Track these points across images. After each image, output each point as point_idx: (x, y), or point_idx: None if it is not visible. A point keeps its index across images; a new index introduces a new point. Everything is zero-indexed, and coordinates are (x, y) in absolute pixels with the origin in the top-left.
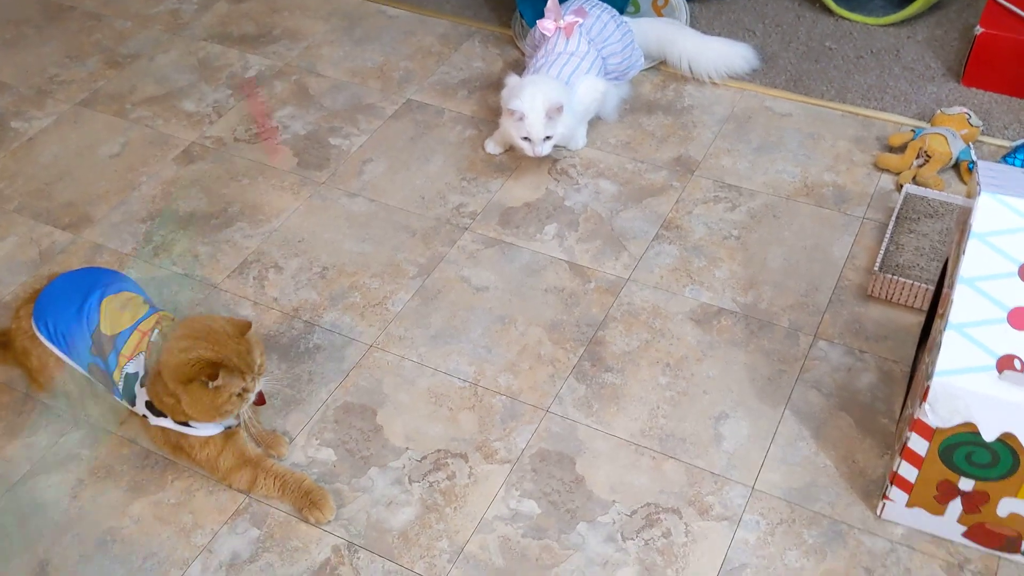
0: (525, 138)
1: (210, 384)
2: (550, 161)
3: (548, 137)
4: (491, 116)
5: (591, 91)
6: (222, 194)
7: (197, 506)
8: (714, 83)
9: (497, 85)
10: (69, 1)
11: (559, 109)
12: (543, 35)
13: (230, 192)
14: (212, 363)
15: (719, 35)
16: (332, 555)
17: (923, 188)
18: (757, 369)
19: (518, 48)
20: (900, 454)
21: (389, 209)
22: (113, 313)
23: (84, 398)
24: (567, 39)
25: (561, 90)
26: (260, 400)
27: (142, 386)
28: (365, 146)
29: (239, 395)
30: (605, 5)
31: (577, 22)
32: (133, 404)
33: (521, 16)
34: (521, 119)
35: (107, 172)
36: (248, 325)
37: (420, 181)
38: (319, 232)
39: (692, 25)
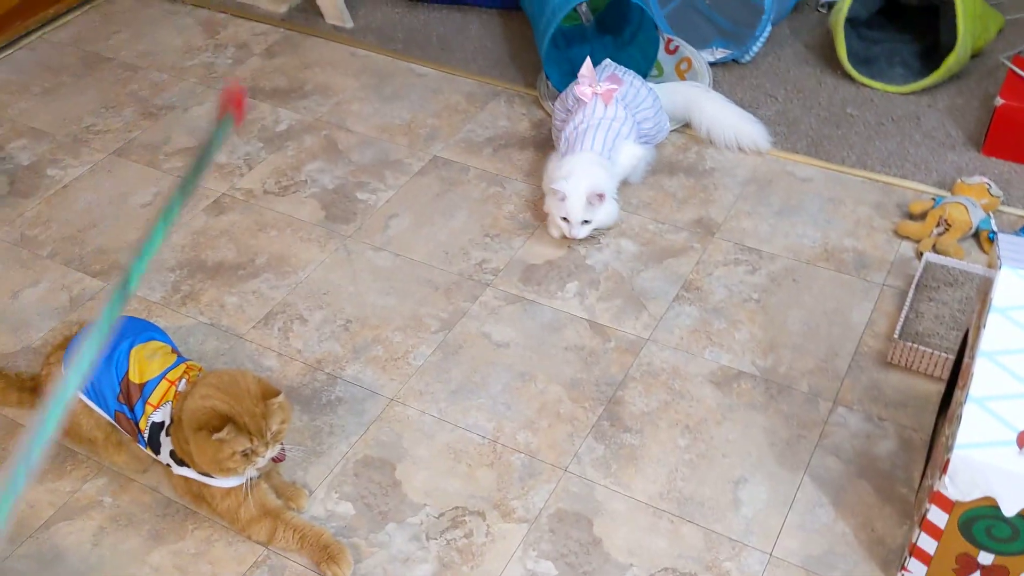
0: (564, 218)
1: (213, 436)
2: None
3: (587, 221)
4: (515, 174)
5: (631, 157)
6: (250, 245)
7: (216, 557)
8: (738, 146)
9: (521, 143)
10: (107, 52)
11: (601, 196)
12: (578, 100)
13: (258, 243)
14: (220, 415)
15: (741, 101)
16: None
17: (943, 256)
18: (776, 433)
19: (543, 108)
20: (919, 525)
21: (413, 264)
22: (142, 362)
23: (109, 445)
24: (605, 105)
25: (605, 177)
26: (278, 458)
27: (167, 435)
28: (391, 201)
29: (244, 455)
30: (632, 71)
31: (614, 89)
32: (157, 453)
33: (547, 77)
34: (563, 200)
35: (139, 221)
36: (276, 392)
37: (444, 236)
38: (344, 285)
39: (715, 89)
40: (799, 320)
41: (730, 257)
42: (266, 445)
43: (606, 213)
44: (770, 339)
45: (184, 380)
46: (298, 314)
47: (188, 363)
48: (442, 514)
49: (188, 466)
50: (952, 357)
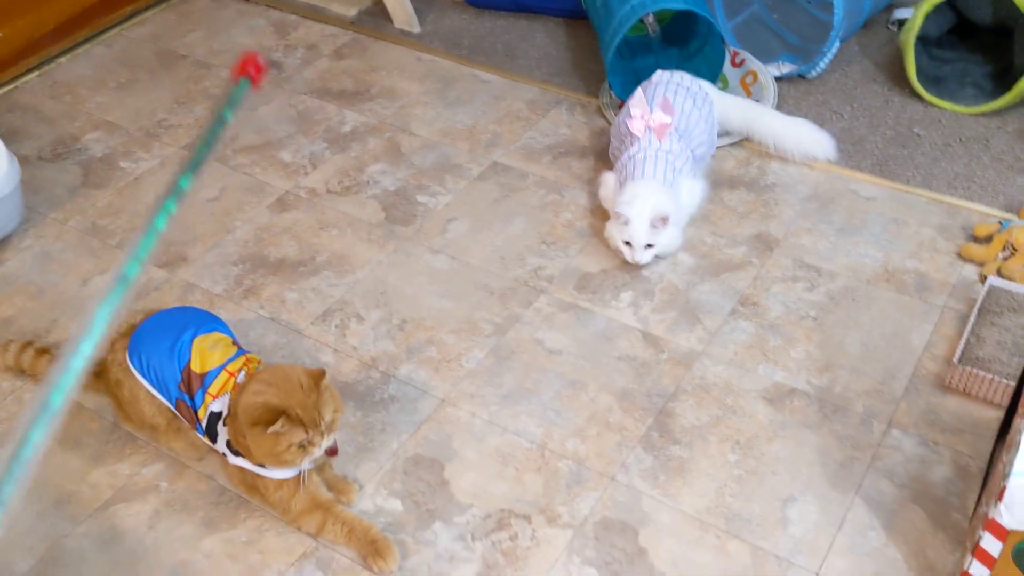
0: (627, 242)
1: (268, 429)
2: None
3: (650, 245)
4: (574, 182)
5: (693, 196)
6: (311, 243)
7: (266, 546)
8: (799, 163)
9: (581, 152)
10: (181, 50)
11: (665, 220)
12: (630, 132)
13: (319, 241)
14: (275, 409)
15: (806, 117)
16: None
17: (1007, 281)
18: (829, 453)
19: (605, 117)
20: (972, 553)
21: (469, 267)
22: (204, 352)
23: (169, 432)
24: (659, 139)
25: (670, 201)
26: (332, 451)
27: (224, 425)
28: (450, 205)
29: (301, 446)
30: (682, 82)
31: (668, 125)
32: (214, 442)
33: (610, 87)
34: (626, 223)
35: (204, 215)
36: (322, 373)
37: (501, 242)
38: (401, 286)
39: (780, 104)
40: (856, 340)
41: (788, 274)
42: (321, 435)
43: (670, 238)
44: (826, 358)
45: (243, 372)
46: (355, 312)
47: (248, 355)
48: (488, 516)
49: (243, 457)
50: (1013, 384)
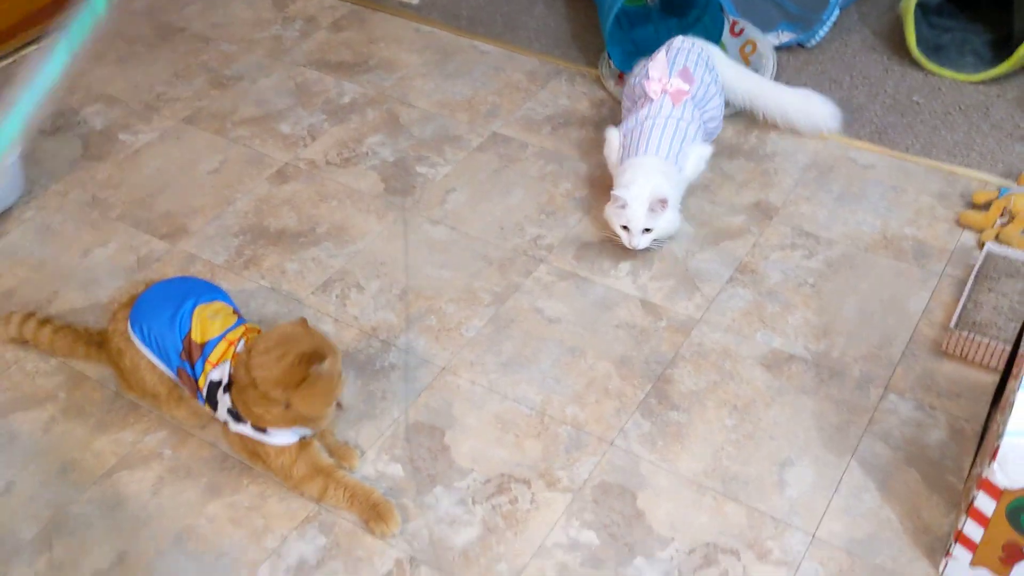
0: (624, 227)
1: (316, 368)
2: None
3: (647, 230)
4: (573, 153)
5: (698, 160)
6: (311, 214)
7: (269, 511)
8: (801, 134)
9: (581, 122)
10: (180, 23)
11: (663, 203)
12: (645, 93)
13: (319, 213)
14: (312, 354)
15: (805, 86)
16: (395, 568)
17: (1005, 247)
18: (825, 417)
19: (604, 88)
20: (966, 512)
21: (469, 238)
22: (204, 321)
23: (171, 400)
24: (673, 105)
25: (670, 182)
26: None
27: (224, 393)
28: (449, 175)
29: (340, 377)
30: (702, 53)
31: (686, 92)
32: (215, 410)
33: (609, 57)
34: (623, 207)
35: (205, 187)
36: (304, 320)
37: (500, 212)
38: (400, 256)
39: (779, 74)
40: (854, 306)
41: (787, 241)
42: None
43: (668, 222)
44: (824, 324)
45: (243, 341)
46: (355, 282)
47: (247, 325)
48: (488, 480)
49: (245, 423)
50: (1008, 348)
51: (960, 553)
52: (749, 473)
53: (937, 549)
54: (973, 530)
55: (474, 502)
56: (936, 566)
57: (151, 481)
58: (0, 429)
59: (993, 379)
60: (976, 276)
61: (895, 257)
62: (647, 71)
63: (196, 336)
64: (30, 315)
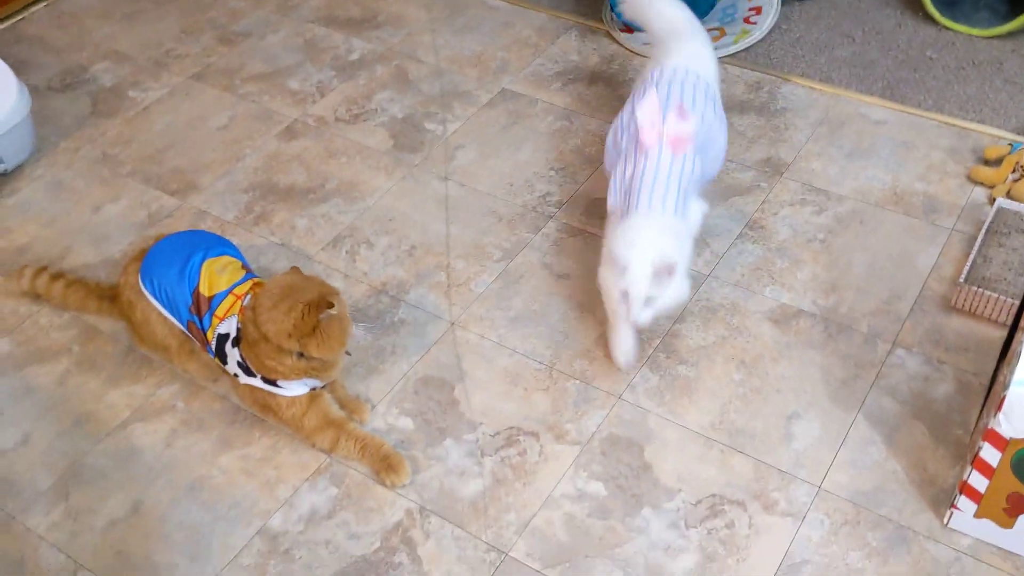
0: (624, 293)
1: (327, 314)
2: None
3: (650, 298)
4: (583, 109)
5: (698, 219)
6: (320, 170)
7: (281, 462)
8: (811, 87)
9: (591, 78)
10: None
11: (671, 269)
12: (640, 143)
13: (328, 169)
14: (319, 299)
15: (817, 41)
16: (405, 518)
17: (1016, 203)
18: (832, 372)
19: (615, 41)
20: (971, 464)
21: (478, 194)
22: (212, 275)
23: (182, 353)
24: (674, 155)
25: (679, 244)
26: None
27: (233, 346)
28: (458, 132)
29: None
30: (699, 81)
31: (687, 140)
32: (225, 363)
33: (611, 7)
34: (624, 271)
35: (214, 143)
36: (296, 269)
37: (509, 168)
38: (409, 212)
39: (790, 27)
40: (863, 262)
41: (797, 197)
42: None
43: (676, 291)
44: (832, 280)
45: (249, 296)
46: (365, 238)
47: (256, 279)
48: (497, 433)
49: (256, 376)
50: (1017, 303)
51: (965, 504)
52: (756, 426)
53: (942, 501)
54: (978, 481)
55: (483, 454)
56: (941, 518)
57: (164, 433)
58: (15, 382)
59: (1001, 334)
60: (986, 232)
61: (905, 213)
62: (636, 113)
63: (204, 290)
64: (42, 269)
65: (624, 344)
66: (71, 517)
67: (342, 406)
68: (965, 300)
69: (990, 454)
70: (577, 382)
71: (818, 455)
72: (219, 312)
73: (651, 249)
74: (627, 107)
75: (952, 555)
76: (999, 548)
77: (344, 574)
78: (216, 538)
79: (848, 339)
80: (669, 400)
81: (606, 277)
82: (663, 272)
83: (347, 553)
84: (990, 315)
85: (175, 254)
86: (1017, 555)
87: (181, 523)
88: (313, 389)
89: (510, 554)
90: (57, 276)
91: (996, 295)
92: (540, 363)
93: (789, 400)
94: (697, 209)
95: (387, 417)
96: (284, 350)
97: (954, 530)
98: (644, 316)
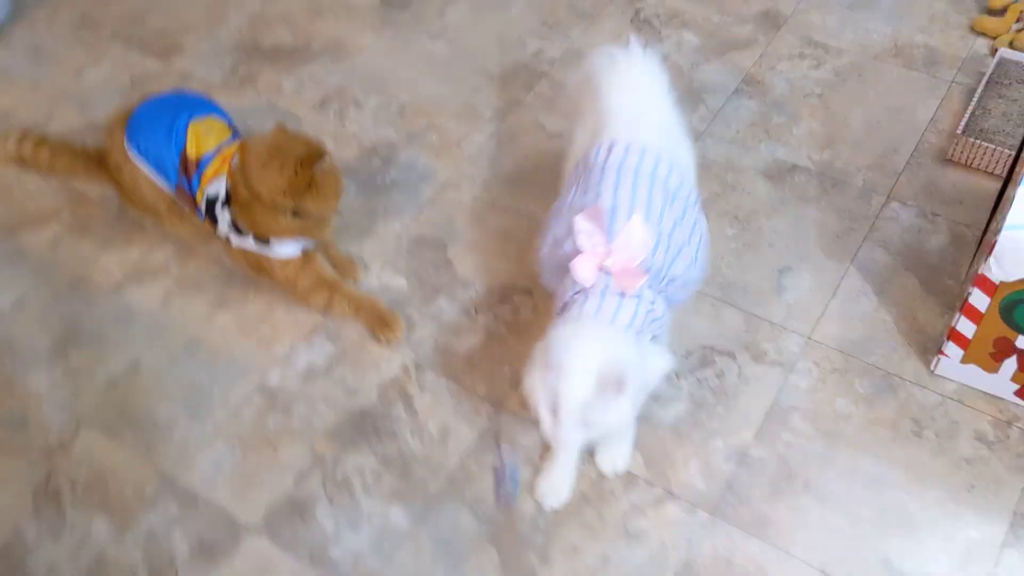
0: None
1: (319, 167)
2: (633, 10)
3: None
4: None
5: (660, 371)
6: (306, 30)
7: (277, 322)
8: None
9: None
10: None
11: (620, 384)
12: (573, 280)
13: (314, 28)
14: (310, 153)
15: None
16: (401, 373)
17: (1018, 52)
18: (826, 225)
19: None
20: (960, 310)
21: (468, 52)
22: (199, 136)
23: (172, 216)
24: (621, 297)
25: (634, 357)
26: None
27: (224, 208)
28: None
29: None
30: (657, 169)
31: (638, 277)
32: (216, 226)
33: None
34: (556, 378)
35: (196, 2)
36: (282, 124)
37: (500, 26)
38: (399, 71)
39: None
40: (861, 116)
41: (795, 51)
42: None
43: (618, 414)
44: (829, 134)
45: (237, 157)
46: (354, 99)
47: (243, 141)
48: (491, 291)
49: (247, 237)
50: (1014, 154)
51: (952, 350)
52: (748, 280)
53: (930, 349)
54: (966, 327)
55: (477, 311)
56: (928, 365)
57: (159, 295)
58: (7, 247)
59: (996, 185)
60: (986, 83)
61: (905, 66)
62: (569, 230)
63: (191, 151)
64: (26, 134)
65: (556, 479)
66: (71, 377)
67: (335, 267)
68: (962, 151)
69: (979, 299)
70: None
71: (809, 307)
72: (208, 173)
73: (597, 354)
74: (564, 206)
75: (938, 400)
76: (984, 393)
77: (342, 427)
78: (215, 395)
79: (843, 193)
80: None
81: (534, 384)
82: (609, 385)
83: (345, 407)
84: (986, 167)
85: (160, 116)
86: (1000, 399)
87: (180, 381)
88: (305, 250)
89: (505, 405)
90: (42, 142)
91: (992, 147)
92: (533, 222)
93: (782, 254)
94: (659, 361)
95: (381, 277)
96: (278, 209)
97: (940, 376)
98: (572, 441)
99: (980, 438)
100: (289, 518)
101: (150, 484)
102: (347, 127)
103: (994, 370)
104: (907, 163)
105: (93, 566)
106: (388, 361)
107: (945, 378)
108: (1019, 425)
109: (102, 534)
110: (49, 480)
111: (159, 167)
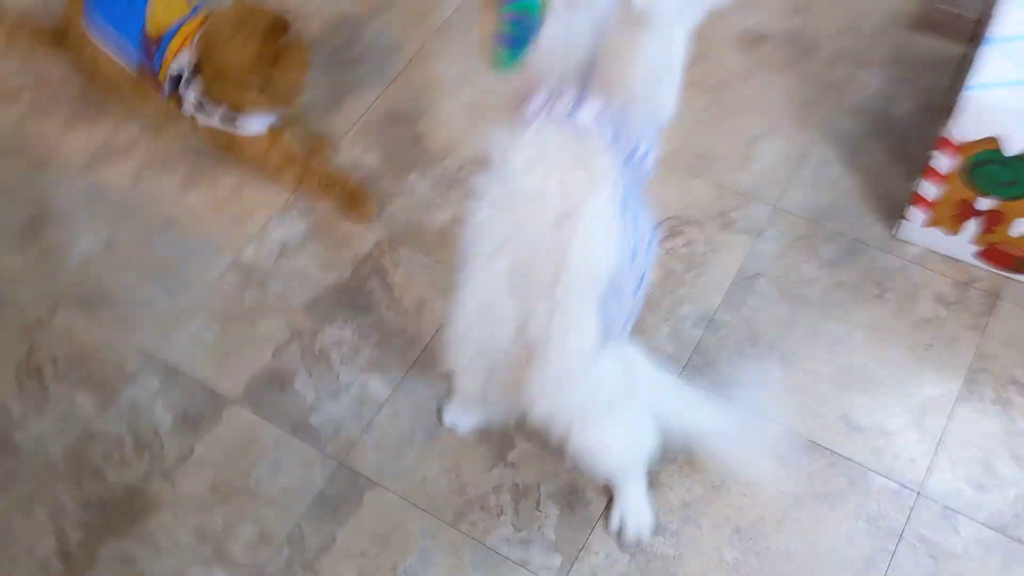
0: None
1: (286, 38)
2: None
3: None
4: None
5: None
6: None
7: (248, 199)
8: None
9: None
10: None
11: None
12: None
13: None
14: (276, 23)
15: None
16: (374, 248)
17: None
18: (796, 94)
19: None
20: (923, 174)
21: None
22: (158, 12)
23: (136, 96)
24: None
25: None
26: None
27: (188, 86)
28: None
29: None
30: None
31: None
32: (181, 104)
33: None
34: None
35: None
36: None
37: None
38: None
39: None
40: None
41: None
42: None
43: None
44: (800, 1)
45: (201, 32)
46: None
47: (205, 13)
48: (462, 166)
49: (213, 116)
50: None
51: (915, 215)
52: (717, 150)
53: (895, 215)
54: (929, 190)
55: (449, 187)
56: (892, 230)
57: (129, 174)
58: None
59: (966, 51)
60: None
61: None
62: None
63: (152, 29)
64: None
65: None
66: (45, 257)
67: (305, 143)
68: (931, 18)
69: (942, 162)
70: None
71: (777, 175)
72: (172, 47)
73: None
74: None
75: (900, 263)
76: (945, 256)
77: (318, 302)
78: (190, 272)
79: (813, 61)
80: None
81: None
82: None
83: (320, 283)
84: (955, 33)
85: None
86: (959, 261)
87: (155, 259)
88: (273, 127)
89: None
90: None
91: (959, 12)
92: (504, 94)
93: (751, 123)
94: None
95: (351, 153)
96: (245, 83)
97: (903, 241)
98: None
99: (939, 299)
100: (269, 389)
101: (130, 359)
102: (311, 0)
103: (956, 232)
104: (878, 30)
105: (79, 439)
106: (361, 237)
107: (908, 242)
108: (977, 286)
109: (86, 408)
110: (30, 357)
111: (120, 45)
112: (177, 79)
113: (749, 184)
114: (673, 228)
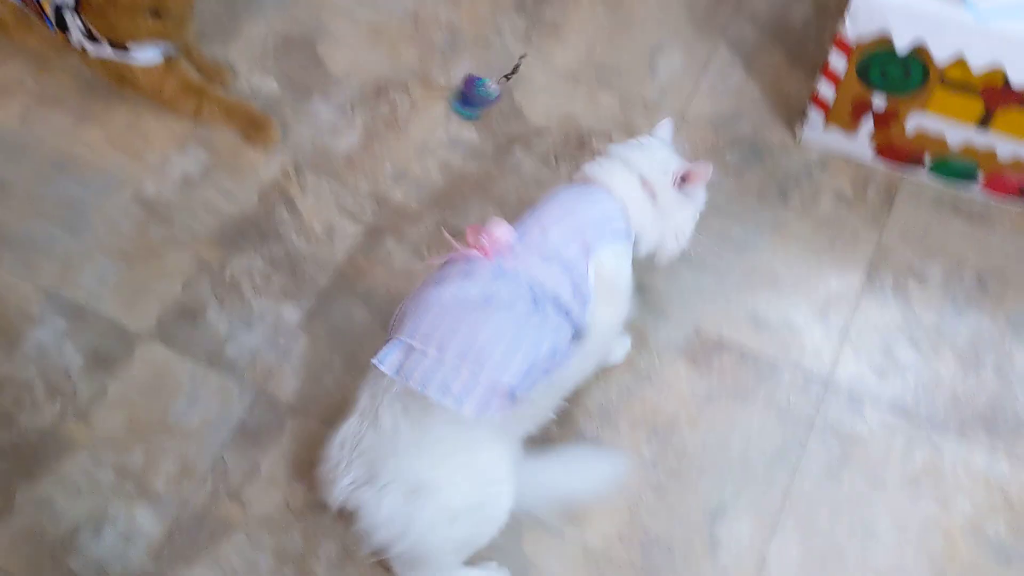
0: None
1: None
2: None
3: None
4: None
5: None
6: None
7: (146, 131)
8: None
9: None
10: None
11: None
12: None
13: None
14: None
15: None
16: (280, 175)
17: None
18: (696, 1)
19: None
20: (821, 72)
21: None
22: None
23: (20, 28)
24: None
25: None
26: None
27: (74, 15)
28: None
29: None
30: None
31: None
32: (68, 35)
33: None
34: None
35: None
36: None
37: None
38: None
39: None
40: None
41: None
42: None
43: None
44: None
45: None
46: None
47: None
48: (365, 87)
49: (101, 46)
50: None
51: (815, 116)
52: (621, 63)
53: (796, 118)
54: (827, 91)
55: (353, 110)
56: (793, 132)
57: (17, 111)
58: None
59: None
60: None
61: None
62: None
63: None
64: None
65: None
66: None
67: (202, 72)
68: None
69: (838, 62)
70: (443, 32)
71: (681, 85)
72: None
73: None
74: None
75: (802, 165)
76: (846, 157)
77: (227, 232)
78: (92, 210)
79: None
80: (536, 42)
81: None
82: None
83: (226, 213)
84: None
85: None
86: (857, 160)
87: (52, 198)
88: (168, 56)
89: (389, 200)
90: None
91: None
92: (404, 14)
93: (653, 33)
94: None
95: (250, 80)
96: (136, 9)
97: (804, 143)
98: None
99: (840, 197)
100: (181, 323)
101: (34, 301)
102: None
103: (853, 130)
104: None
105: None
106: (266, 165)
107: (809, 145)
108: (874, 184)
109: None
110: None
111: None
112: (61, 7)
113: (654, 95)
114: (581, 140)
